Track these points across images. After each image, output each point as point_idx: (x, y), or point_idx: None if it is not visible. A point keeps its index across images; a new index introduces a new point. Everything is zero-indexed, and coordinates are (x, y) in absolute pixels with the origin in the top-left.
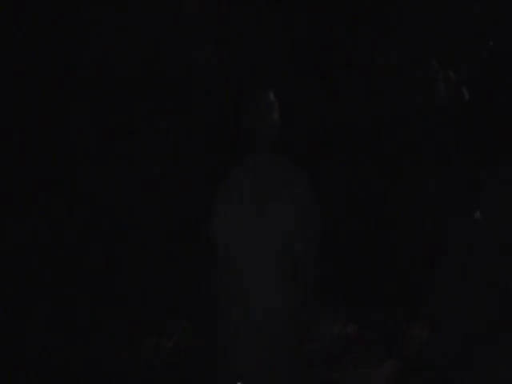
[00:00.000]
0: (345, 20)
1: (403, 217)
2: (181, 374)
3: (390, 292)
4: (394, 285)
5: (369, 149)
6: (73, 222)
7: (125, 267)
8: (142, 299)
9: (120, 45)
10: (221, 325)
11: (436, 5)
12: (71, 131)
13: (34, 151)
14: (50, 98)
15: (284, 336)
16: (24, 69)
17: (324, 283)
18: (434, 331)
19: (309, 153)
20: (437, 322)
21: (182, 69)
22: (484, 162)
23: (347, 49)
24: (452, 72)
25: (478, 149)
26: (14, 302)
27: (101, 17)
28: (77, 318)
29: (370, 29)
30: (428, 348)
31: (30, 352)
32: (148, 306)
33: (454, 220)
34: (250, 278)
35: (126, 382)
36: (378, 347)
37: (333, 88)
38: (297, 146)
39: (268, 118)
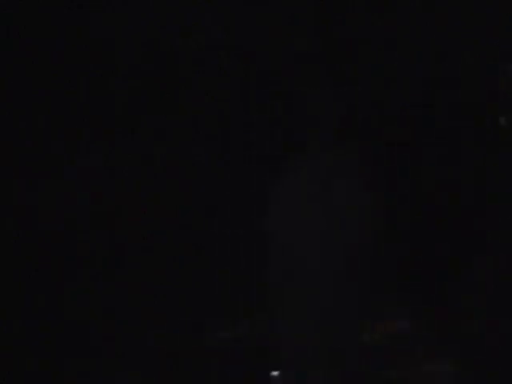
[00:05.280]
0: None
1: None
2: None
3: (452, 290)
4: (456, 283)
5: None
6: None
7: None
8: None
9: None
10: (273, 317)
11: None
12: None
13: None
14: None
15: (340, 332)
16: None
17: (383, 280)
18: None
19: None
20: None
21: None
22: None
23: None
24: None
25: None
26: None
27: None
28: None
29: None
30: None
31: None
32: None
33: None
34: (307, 274)
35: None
36: (438, 346)
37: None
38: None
39: (329, 113)
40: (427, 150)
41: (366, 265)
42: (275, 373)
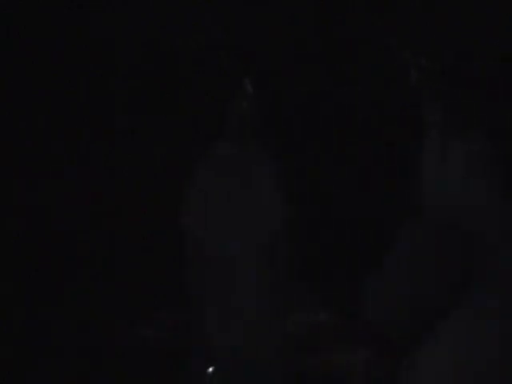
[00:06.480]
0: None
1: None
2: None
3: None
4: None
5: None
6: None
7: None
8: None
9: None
10: (197, 312)
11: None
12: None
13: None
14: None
15: (260, 323)
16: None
17: (296, 271)
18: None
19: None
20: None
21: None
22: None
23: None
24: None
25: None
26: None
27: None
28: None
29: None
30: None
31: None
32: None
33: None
34: (225, 268)
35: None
36: (351, 334)
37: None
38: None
39: (251, 106)
40: (339, 148)
41: (285, 258)
42: (208, 370)
